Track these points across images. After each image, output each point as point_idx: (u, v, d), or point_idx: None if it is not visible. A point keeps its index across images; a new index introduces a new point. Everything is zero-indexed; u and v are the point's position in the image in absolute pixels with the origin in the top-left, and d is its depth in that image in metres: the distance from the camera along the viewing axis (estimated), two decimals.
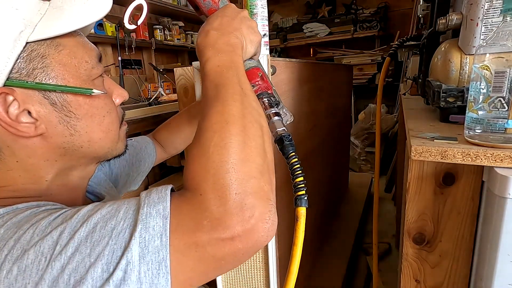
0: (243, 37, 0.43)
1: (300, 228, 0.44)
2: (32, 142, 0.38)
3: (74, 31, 0.39)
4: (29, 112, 0.36)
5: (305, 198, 0.42)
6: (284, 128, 0.42)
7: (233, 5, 0.46)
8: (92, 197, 0.54)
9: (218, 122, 0.34)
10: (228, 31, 0.42)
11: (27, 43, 0.36)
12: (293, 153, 0.41)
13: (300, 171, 0.40)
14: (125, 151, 0.49)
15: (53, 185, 0.42)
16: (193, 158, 0.34)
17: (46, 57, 0.37)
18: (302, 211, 0.43)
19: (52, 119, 0.38)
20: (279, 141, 0.41)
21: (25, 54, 0.36)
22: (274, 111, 0.43)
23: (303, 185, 0.41)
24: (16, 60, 0.35)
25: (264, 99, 0.44)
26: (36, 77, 0.36)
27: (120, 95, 0.47)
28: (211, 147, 0.32)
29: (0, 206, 0.34)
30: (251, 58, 0.47)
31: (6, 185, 0.39)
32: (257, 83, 0.44)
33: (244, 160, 0.32)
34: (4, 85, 0.35)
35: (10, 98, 0.35)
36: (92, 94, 0.40)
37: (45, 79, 0.37)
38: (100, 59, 0.44)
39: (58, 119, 0.38)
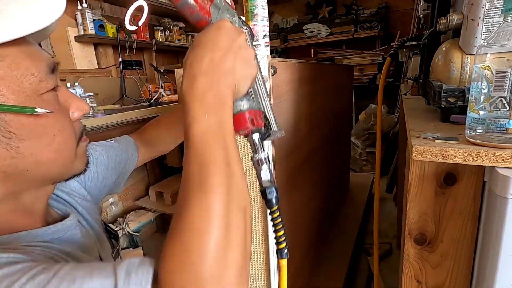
0: (236, 79, 0.36)
1: (283, 277, 0.47)
2: None
3: (19, 38, 0.33)
4: None
5: (286, 251, 0.42)
6: (269, 179, 0.39)
7: (227, 23, 0.36)
8: (62, 207, 0.51)
9: (199, 220, 0.30)
10: (218, 76, 0.34)
11: None
12: (276, 207, 0.39)
13: (281, 225, 0.40)
14: (86, 169, 0.45)
15: (0, 213, 0.37)
16: (172, 254, 0.30)
17: None
18: (283, 263, 0.45)
19: None
20: (263, 193, 0.39)
21: None
22: (262, 157, 0.39)
23: (284, 238, 0.41)
24: None
25: (254, 138, 0.39)
26: None
27: (78, 108, 0.42)
28: (190, 247, 0.29)
29: None
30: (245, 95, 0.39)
31: None
32: (246, 126, 0.39)
33: (225, 265, 0.30)
34: None
35: None
36: (35, 113, 0.34)
37: None
38: (53, 70, 0.39)
39: None
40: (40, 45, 0.40)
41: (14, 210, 0.39)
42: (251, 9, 0.74)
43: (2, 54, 0.33)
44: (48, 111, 0.36)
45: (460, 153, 0.47)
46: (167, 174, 2.25)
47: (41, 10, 0.34)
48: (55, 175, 0.41)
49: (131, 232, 1.75)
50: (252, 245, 0.83)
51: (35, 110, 0.34)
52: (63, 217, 0.47)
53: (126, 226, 1.76)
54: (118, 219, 1.84)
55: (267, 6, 0.76)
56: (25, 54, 0.35)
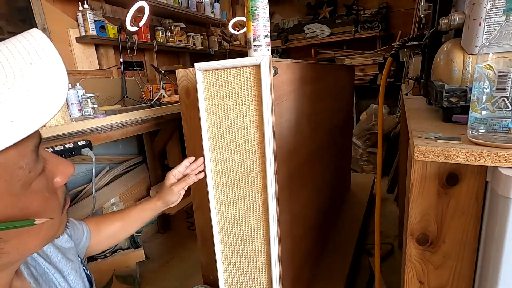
0: None
1: None
2: None
3: None
4: None
5: None
6: None
7: None
8: (33, 271, 0.46)
9: None
10: None
11: None
12: None
13: None
14: (65, 229, 0.42)
15: None
16: None
17: None
18: None
19: None
20: None
21: None
22: None
23: None
24: None
25: None
26: None
27: (63, 173, 0.38)
28: None
29: None
30: None
31: None
32: None
33: None
34: None
35: None
36: (35, 224, 0.32)
37: None
38: (38, 145, 0.34)
39: None
40: None
41: None
42: (252, 9, 0.74)
43: None
44: (48, 218, 0.34)
45: (462, 153, 0.46)
46: None
47: (34, 105, 0.30)
48: (35, 251, 0.39)
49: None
50: (253, 246, 0.83)
51: (34, 222, 0.32)
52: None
53: None
54: None
55: (268, 6, 0.76)
56: (11, 148, 0.29)
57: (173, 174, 0.80)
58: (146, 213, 0.77)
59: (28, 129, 0.28)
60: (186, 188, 0.79)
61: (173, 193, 0.76)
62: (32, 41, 0.32)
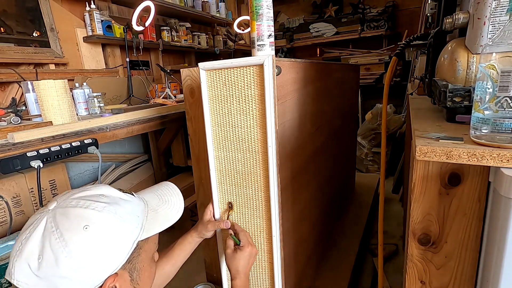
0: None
1: None
2: None
3: None
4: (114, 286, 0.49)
5: None
6: None
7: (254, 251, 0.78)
8: None
9: None
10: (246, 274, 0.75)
11: (138, 242, 0.53)
12: None
13: None
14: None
15: None
16: None
17: (141, 248, 0.54)
18: None
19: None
20: None
21: (134, 249, 0.52)
22: None
23: None
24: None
25: None
26: (131, 262, 0.52)
27: (156, 258, 0.63)
28: None
29: None
30: None
31: None
32: None
33: None
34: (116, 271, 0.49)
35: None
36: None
37: (135, 263, 0.53)
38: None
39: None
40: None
41: None
42: (256, 9, 0.75)
43: (150, 237, 0.57)
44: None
45: (464, 153, 0.46)
46: (173, 173, 2.27)
47: (174, 209, 0.64)
48: None
49: None
50: (256, 244, 0.84)
51: None
52: None
53: None
54: None
55: (272, 6, 0.76)
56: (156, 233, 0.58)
57: (210, 210, 0.88)
58: (186, 246, 0.86)
59: (170, 223, 0.62)
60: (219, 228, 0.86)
61: (207, 230, 0.84)
62: (170, 186, 0.70)
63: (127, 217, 0.51)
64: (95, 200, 0.50)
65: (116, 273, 0.48)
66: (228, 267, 0.77)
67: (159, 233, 0.60)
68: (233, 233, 0.80)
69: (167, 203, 0.64)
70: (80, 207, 0.48)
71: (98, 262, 0.47)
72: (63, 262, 0.44)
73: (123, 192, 0.56)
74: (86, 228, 0.46)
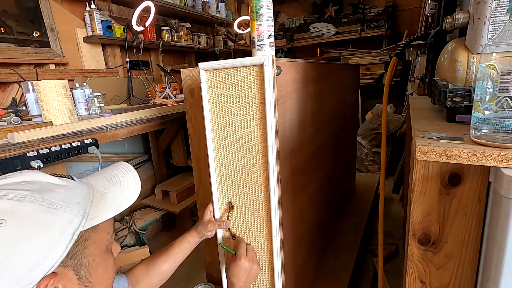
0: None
1: None
2: None
3: None
4: None
5: None
6: None
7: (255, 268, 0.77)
8: None
9: None
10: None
11: (81, 232, 0.44)
12: None
13: None
14: None
15: None
16: None
17: (87, 239, 0.45)
18: None
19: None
20: None
21: (75, 241, 0.43)
22: None
23: None
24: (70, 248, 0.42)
25: None
26: (76, 258, 0.44)
27: (116, 250, 0.56)
28: None
29: None
30: None
31: None
32: None
33: None
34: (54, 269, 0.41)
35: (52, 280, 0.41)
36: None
37: (81, 258, 0.44)
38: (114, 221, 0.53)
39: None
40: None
41: None
42: (256, 9, 0.75)
43: (100, 225, 0.47)
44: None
45: (464, 153, 0.46)
46: (173, 173, 2.27)
47: (127, 193, 0.53)
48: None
49: (138, 230, 1.77)
50: (256, 244, 0.84)
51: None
52: None
53: (133, 224, 1.78)
54: (125, 217, 1.86)
55: (272, 6, 0.76)
56: (107, 221, 0.49)
57: (211, 210, 0.88)
58: (185, 246, 0.85)
59: (124, 207, 0.51)
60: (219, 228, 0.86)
61: (207, 230, 0.84)
62: (123, 165, 0.60)
63: (61, 205, 0.43)
64: (14, 188, 0.42)
65: (54, 272, 0.41)
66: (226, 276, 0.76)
67: (116, 220, 0.55)
68: (222, 243, 0.81)
69: (118, 184, 0.54)
70: None
71: (23, 262, 0.38)
72: None
73: (58, 176, 0.48)
74: (1, 223, 0.38)
